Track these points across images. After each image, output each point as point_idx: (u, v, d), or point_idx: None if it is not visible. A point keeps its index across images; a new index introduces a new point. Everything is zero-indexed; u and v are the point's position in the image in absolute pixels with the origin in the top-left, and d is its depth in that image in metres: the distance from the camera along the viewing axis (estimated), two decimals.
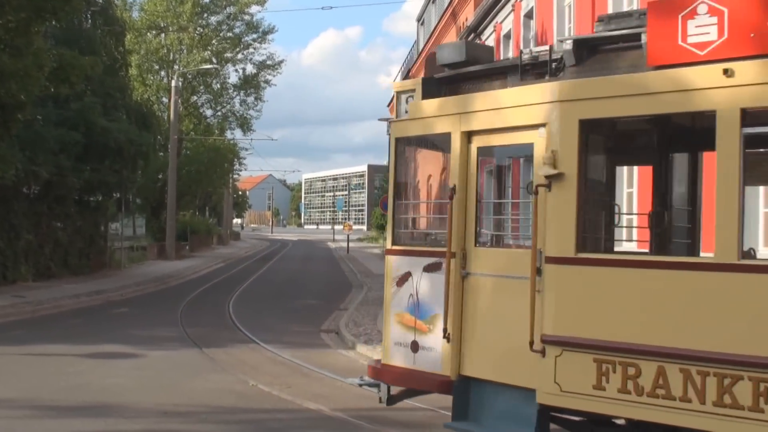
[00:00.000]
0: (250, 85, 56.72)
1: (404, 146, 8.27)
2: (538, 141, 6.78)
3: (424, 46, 46.17)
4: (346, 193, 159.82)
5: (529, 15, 25.15)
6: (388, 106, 66.05)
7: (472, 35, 31.80)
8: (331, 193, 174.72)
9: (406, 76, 55.65)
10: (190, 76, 51.37)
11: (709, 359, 5.73)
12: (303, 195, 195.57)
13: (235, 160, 61.32)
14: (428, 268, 7.63)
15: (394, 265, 7.95)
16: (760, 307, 5.58)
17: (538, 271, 6.60)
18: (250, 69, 56.95)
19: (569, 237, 6.45)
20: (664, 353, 5.91)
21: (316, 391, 11.11)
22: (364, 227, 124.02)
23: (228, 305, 22.07)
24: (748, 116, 5.79)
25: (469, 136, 7.36)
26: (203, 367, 12.94)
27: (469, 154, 7.38)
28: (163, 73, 52.81)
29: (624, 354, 6.11)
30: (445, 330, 7.32)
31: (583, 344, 6.33)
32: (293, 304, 23.03)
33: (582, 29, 20.21)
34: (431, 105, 7.70)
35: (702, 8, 6.06)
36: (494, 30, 28.99)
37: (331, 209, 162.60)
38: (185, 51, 52.49)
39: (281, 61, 57.97)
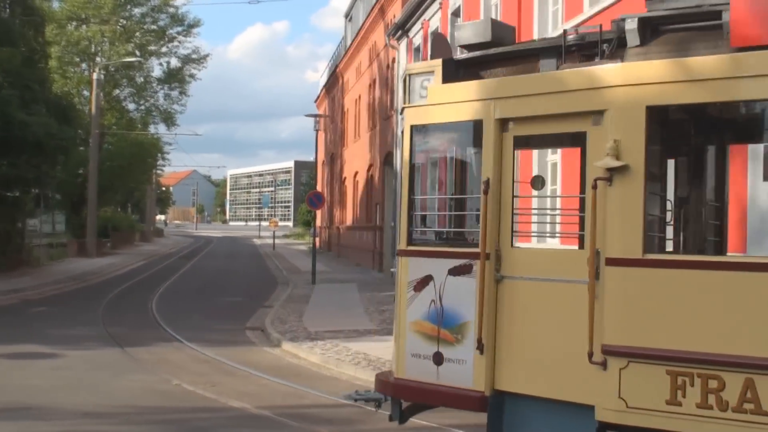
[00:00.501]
0: (175, 79, 55.77)
1: (421, 134, 7.37)
2: (592, 130, 6.07)
3: (352, 42, 46.13)
4: (273, 189, 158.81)
5: (456, 13, 25.31)
6: (316, 102, 65.87)
7: (400, 32, 31.89)
8: (257, 190, 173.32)
9: (333, 72, 55.51)
10: (112, 69, 50.24)
11: None
12: (228, 191, 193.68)
13: (159, 155, 60.33)
14: (455, 271, 6.73)
15: (411, 267, 7.04)
16: None
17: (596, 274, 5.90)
18: (174, 63, 56.01)
19: (635, 236, 5.75)
20: (754, 364, 5.27)
21: (241, 389, 10.97)
22: (290, 224, 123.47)
23: (151, 303, 21.67)
24: None
25: (504, 123, 6.55)
26: (125, 366, 12.65)
27: (504, 144, 6.57)
28: (84, 65, 51.54)
29: (704, 365, 5.45)
30: (479, 340, 6.47)
31: (655, 355, 5.61)
32: (218, 302, 22.75)
33: None
34: (457, 89, 6.86)
35: None
36: (422, 27, 29.11)
37: (258, 206, 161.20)
38: (107, 43, 51.29)
39: (207, 55, 57.19)
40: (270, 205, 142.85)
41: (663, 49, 6.05)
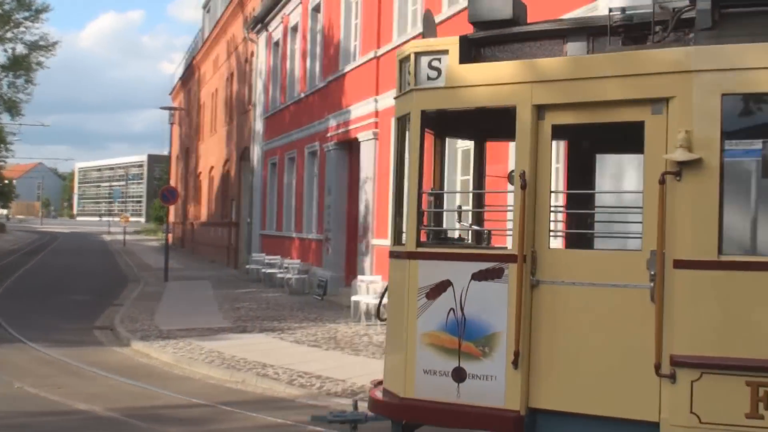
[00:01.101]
0: (20, 66, 53.05)
1: (432, 121, 6.67)
2: (652, 119, 5.54)
3: (210, 34, 45.23)
4: (124, 183, 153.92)
5: (317, 8, 25.23)
6: (171, 94, 64.24)
7: (259, 26, 31.51)
8: (108, 184, 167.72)
9: (189, 64, 54.29)
10: None
11: None
12: (76, 185, 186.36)
13: (1, 146, 57.39)
14: (482, 275, 6.04)
15: (422, 272, 6.24)
16: None
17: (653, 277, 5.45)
18: (20, 49, 53.27)
19: (710, 236, 5.26)
20: None
21: (89, 391, 10.49)
22: (142, 219, 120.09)
23: None
24: None
25: (541, 110, 5.92)
26: None
27: (541, 133, 5.94)
28: None
29: None
30: (517, 353, 5.80)
31: (732, 365, 5.16)
32: (64, 301, 21.75)
33: (368, 25, 20.55)
34: (485, 70, 6.18)
35: None
36: (282, 21, 28.85)
37: (108, 201, 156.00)
38: None
39: (55, 43, 54.60)
40: (121, 199, 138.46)
41: (737, 34, 5.45)
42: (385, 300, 7.20)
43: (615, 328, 5.57)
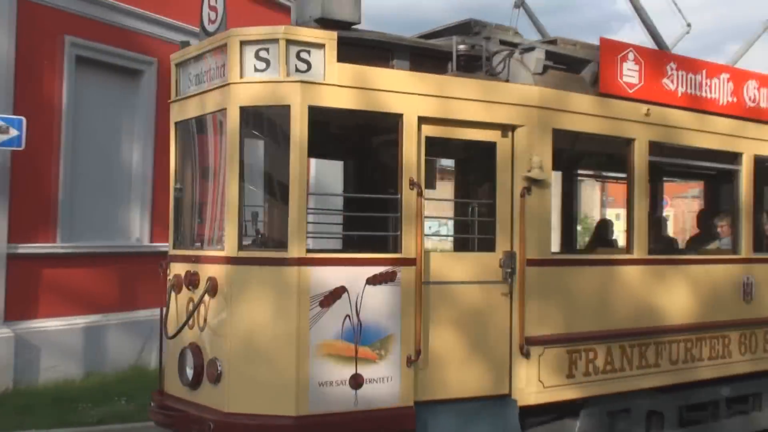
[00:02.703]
0: None
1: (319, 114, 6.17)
2: (502, 141, 6.69)
3: None
4: None
5: None
6: None
7: None
8: None
9: None
10: None
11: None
12: None
13: None
14: (375, 280, 6.13)
15: (314, 278, 5.98)
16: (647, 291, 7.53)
17: (509, 275, 6.64)
18: None
19: (547, 240, 6.88)
20: (613, 335, 7.23)
21: None
22: None
23: None
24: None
25: (420, 121, 6.35)
26: None
27: (420, 143, 6.36)
28: None
29: (587, 341, 7.07)
30: (418, 351, 6.18)
31: (559, 339, 6.85)
32: None
33: None
34: (374, 74, 6.20)
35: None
36: None
37: None
38: None
39: None
40: None
41: (551, 82, 7.00)
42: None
43: (478, 319, 6.54)
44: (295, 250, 5.93)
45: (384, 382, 6.11)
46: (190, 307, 6.32)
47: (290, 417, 5.84)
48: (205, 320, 6.20)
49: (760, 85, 8.77)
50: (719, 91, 8.35)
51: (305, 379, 5.88)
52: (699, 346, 8.01)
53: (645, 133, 7.59)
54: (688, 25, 10.32)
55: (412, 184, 6.22)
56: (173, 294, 6.56)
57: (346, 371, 6.00)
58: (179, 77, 6.90)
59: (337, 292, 6.00)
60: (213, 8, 6.47)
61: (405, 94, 6.25)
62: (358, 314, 6.03)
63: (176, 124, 6.96)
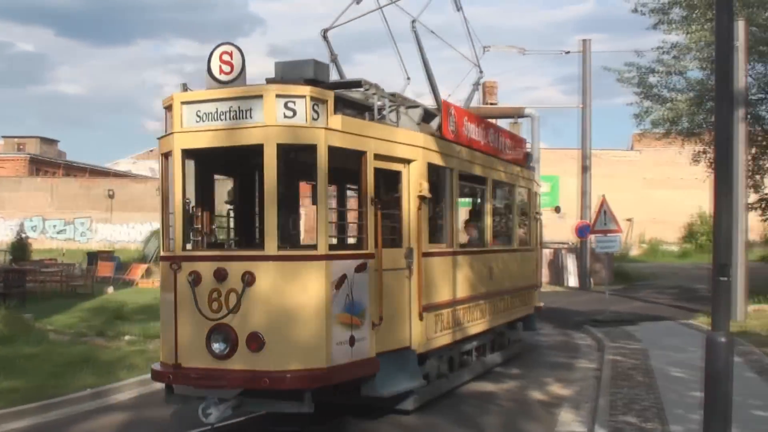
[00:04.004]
0: None
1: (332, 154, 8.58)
2: (405, 170, 9.82)
3: None
4: None
5: None
6: None
7: None
8: None
9: None
10: None
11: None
12: None
13: None
14: (358, 269, 8.77)
15: (333, 270, 8.45)
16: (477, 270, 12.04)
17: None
18: None
19: (430, 237, 10.38)
20: (448, 303, 10.84)
21: None
22: None
23: None
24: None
25: (375, 158, 9.18)
26: None
27: (368, 171, 9.05)
28: None
29: (451, 305, 10.94)
30: (381, 318, 9.10)
31: (436, 306, 10.35)
32: None
33: None
34: (351, 123, 8.90)
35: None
36: None
37: None
38: None
39: None
40: None
41: (425, 129, 10.50)
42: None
43: (395, 292, 9.59)
44: (323, 249, 8.50)
45: (364, 341, 8.85)
46: (214, 295, 8.27)
47: (323, 368, 8.33)
48: (237, 305, 8.16)
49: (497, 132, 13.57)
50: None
51: (330, 341, 8.37)
52: (489, 307, 12.68)
53: (457, 165, 11.41)
54: (408, 78, 12.50)
55: (372, 202, 9.05)
56: (189, 286, 8.35)
57: (347, 334, 8.63)
58: (182, 113, 8.58)
59: (343, 278, 8.55)
60: (227, 63, 8.45)
61: (367, 138, 9.07)
62: (352, 293, 8.66)
63: (183, 151, 8.66)
